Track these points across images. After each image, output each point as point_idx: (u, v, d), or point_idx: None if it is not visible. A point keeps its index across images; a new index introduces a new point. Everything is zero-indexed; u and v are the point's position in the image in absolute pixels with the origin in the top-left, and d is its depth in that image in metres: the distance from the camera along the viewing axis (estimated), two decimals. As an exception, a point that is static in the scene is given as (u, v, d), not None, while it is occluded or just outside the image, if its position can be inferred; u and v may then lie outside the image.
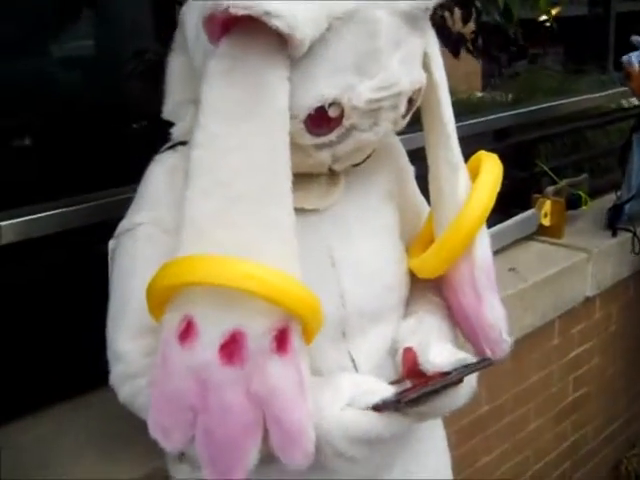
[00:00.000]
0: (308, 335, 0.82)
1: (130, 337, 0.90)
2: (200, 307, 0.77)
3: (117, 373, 0.91)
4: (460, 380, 0.90)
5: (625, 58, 2.02)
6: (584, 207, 2.24)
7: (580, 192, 2.21)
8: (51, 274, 1.33)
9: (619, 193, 2.25)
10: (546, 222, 2.10)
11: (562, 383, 2.14)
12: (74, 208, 1.23)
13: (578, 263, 2.01)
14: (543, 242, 2.11)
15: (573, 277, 2.00)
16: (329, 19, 0.78)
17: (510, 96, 3.73)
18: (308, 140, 0.86)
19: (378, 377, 0.92)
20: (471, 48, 2.58)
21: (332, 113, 0.83)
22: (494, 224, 1.93)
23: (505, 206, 1.97)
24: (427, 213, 1.10)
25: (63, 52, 1.53)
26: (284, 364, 0.78)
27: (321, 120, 0.84)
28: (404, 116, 0.92)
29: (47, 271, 1.33)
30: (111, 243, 0.98)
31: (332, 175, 0.98)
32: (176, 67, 0.96)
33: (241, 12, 0.72)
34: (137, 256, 0.92)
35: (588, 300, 2.10)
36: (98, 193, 1.26)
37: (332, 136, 0.86)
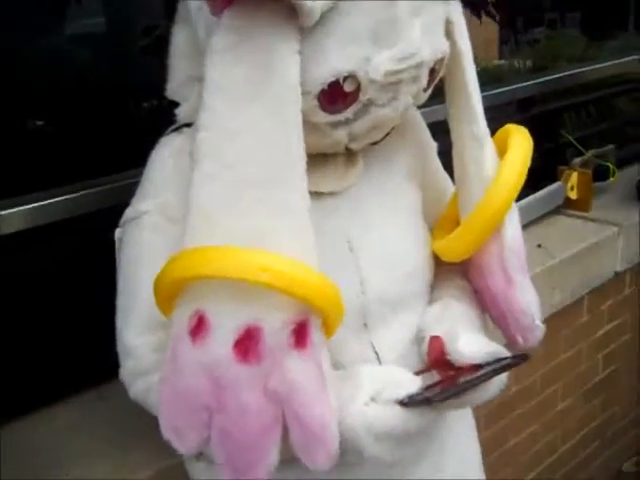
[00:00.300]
0: (329, 328, 0.78)
1: (139, 332, 0.86)
2: (212, 301, 0.73)
3: (128, 369, 0.88)
4: (492, 377, 0.85)
5: None
6: (611, 179, 2.15)
7: (608, 163, 2.13)
8: (61, 262, 1.29)
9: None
10: (573, 195, 2.02)
11: (591, 361, 2.07)
12: (81, 194, 1.18)
13: (607, 237, 1.93)
14: (570, 216, 2.03)
15: (602, 252, 1.92)
16: None
17: (530, 64, 3.61)
18: (322, 118, 0.80)
19: (402, 368, 0.87)
20: (492, 11, 2.46)
21: (347, 88, 0.78)
22: (519, 198, 1.85)
23: (529, 179, 1.89)
24: (452, 191, 1.04)
25: (65, 29, 1.46)
26: (303, 360, 0.73)
27: (336, 96, 0.78)
28: (426, 89, 0.87)
29: (57, 260, 1.29)
30: (117, 232, 0.94)
31: (349, 155, 0.92)
32: (180, 42, 0.90)
33: None
34: (144, 246, 0.88)
35: (617, 275, 2.02)
36: (106, 178, 1.21)
37: (348, 113, 0.81)
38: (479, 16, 2.28)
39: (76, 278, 1.28)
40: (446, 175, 1.09)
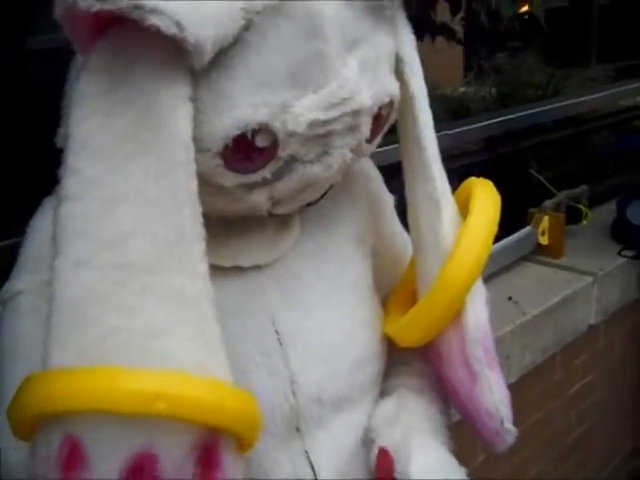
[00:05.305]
0: (244, 446, 0.60)
1: (12, 445, 0.67)
2: (88, 426, 0.54)
3: None
4: None
5: None
6: (584, 222, 2.00)
7: (580, 205, 1.98)
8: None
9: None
10: (544, 241, 1.86)
11: (564, 420, 1.91)
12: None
13: (582, 288, 1.77)
14: (541, 263, 1.87)
15: (576, 305, 1.76)
16: (246, 14, 0.56)
17: (495, 92, 3.49)
18: (230, 180, 0.64)
19: None
20: (459, 38, 2.37)
21: (260, 142, 0.61)
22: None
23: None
24: (410, 255, 0.88)
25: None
26: None
27: (245, 152, 0.61)
28: (370, 140, 0.69)
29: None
30: (-5, 311, 0.76)
31: (281, 216, 0.74)
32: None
33: (96, 7, 0.49)
34: (18, 337, 0.71)
35: (591, 328, 1.86)
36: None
37: (265, 172, 0.64)
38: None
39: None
40: (405, 236, 0.92)
